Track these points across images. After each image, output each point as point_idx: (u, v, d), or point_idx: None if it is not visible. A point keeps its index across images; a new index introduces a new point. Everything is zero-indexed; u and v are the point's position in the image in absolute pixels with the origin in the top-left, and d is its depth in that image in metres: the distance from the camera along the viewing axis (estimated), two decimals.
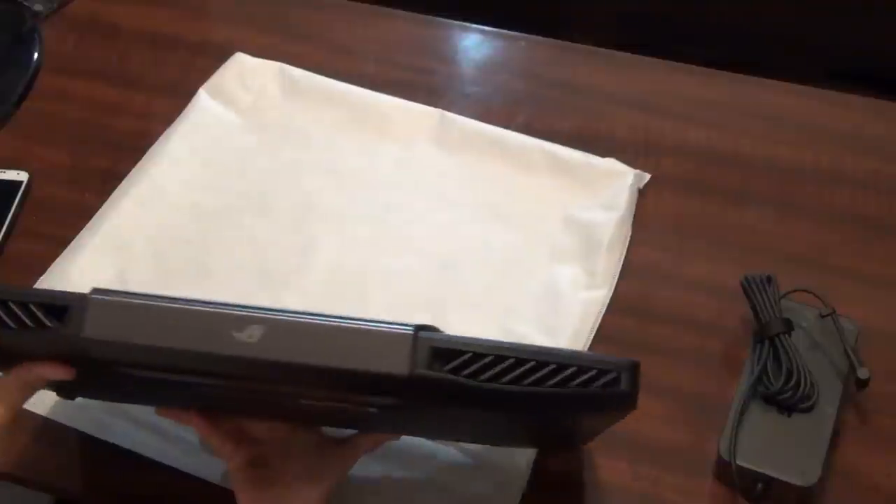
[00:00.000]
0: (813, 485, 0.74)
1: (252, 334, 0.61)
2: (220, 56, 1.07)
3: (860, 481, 0.78)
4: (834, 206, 0.94)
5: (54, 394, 0.78)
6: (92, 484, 0.81)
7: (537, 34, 1.11)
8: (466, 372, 0.60)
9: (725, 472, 0.77)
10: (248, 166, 0.99)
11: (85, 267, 0.90)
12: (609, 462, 0.79)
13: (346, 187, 0.96)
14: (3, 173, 0.99)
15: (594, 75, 1.06)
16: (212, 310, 0.62)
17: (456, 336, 0.62)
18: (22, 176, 0.98)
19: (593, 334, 0.86)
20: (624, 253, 0.91)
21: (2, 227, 0.94)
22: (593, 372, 0.60)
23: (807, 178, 0.97)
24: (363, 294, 0.89)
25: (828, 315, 0.82)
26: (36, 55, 1.10)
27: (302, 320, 0.62)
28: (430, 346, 0.61)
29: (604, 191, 0.94)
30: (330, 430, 0.76)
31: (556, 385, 0.60)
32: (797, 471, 0.75)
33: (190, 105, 1.03)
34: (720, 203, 0.95)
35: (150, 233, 0.93)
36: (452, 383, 0.60)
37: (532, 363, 0.60)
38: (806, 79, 1.04)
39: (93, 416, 0.82)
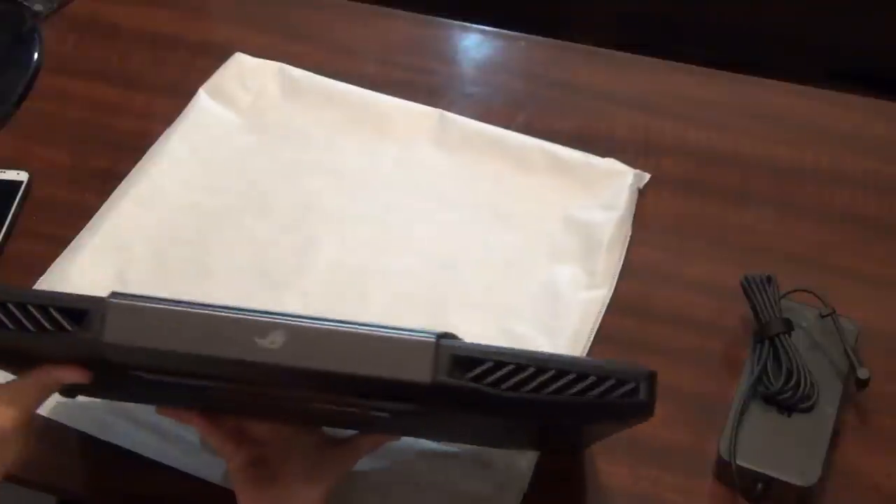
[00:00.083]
0: (813, 485, 0.74)
1: (274, 340, 0.61)
2: (220, 56, 1.07)
3: (860, 481, 0.78)
4: (834, 206, 0.94)
5: (55, 393, 0.78)
6: (93, 484, 0.81)
7: (537, 34, 1.11)
8: (488, 380, 0.60)
9: (725, 472, 0.77)
10: (248, 166, 0.99)
11: (85, 267, 0.90)
12: (609, 462, 0.79)
13: (346, 187, 0.96)
14: (3, 173, 0.99)
15: (594, 75, 1.06)
16: (234, 315, 0.62)
17: (477, 344, 0.62)
18: (22, 176, 0.98)
19: (593, 334, 0.86)
20: (624, 253, 0.91)
21: (2, 227, 0.94)
22: (612, 382, 0.61)
23: (807, 178, 0.97)
24: (363, 294, 0.89)
25: (828, 315, 0.82)
26: (36, 55, 1.10)
27: (324, 327, 0.62)
28: (452, 353, 0.61)
29: (604, 191, 0.94)
30: (330, 431, 0.76)
31: (575, 394, 0.60)
32: (797, 471, 0.75)
33: (190, 105, 1.03)
34: (720, 203, 0.95)
35: (149, 233, 0.93)
36: (473, 391, 0.60)
37: (552, 372, 0.60)
38: (806, 79, 1.04)
39: (94, 416, 0.82)
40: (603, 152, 0.97)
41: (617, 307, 0.88)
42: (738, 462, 0.75)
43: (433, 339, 0.61)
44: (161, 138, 1.00)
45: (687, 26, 1.69)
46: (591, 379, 0.60)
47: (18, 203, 0.96)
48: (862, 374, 0.79)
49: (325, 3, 1.15)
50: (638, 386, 0.61)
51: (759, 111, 1.02)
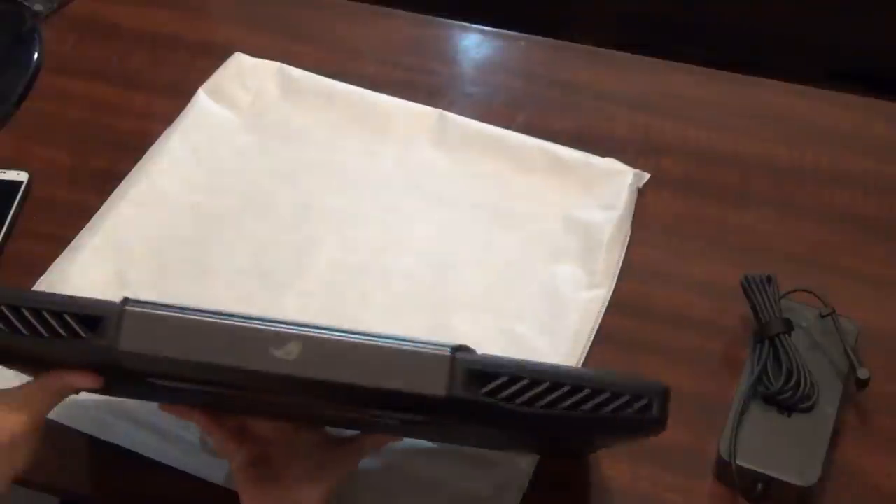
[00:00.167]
0: (813, 485, 0.74)
1: (290, 351, 0.61)
2: (220, 56, 1.07)
3: (860, 481, 0.78)
4: (834, 206, 0.94)
5: None
6: (94, 484, 0.81)
7: (537, 34, 1.11)
8: (502, 395, 0.61)
9: (725, 472, 0.77)
10: (248, 166, 0.99)
11: (85, 267, 0.90)
12: (609, 462, 0.79)
13: (345, 187, 0.96)
14: (3, 173, 0.99)
15: (594, 75, 1.06)
16: (249, 325, 0.62)
17: (492, 357, 0.62)
18: (22, 176, 0.98)
19: (593, 334, 0.86)
20: (623, 253, 0.91)
21: (2, 227, 0.94)
22: (626, 398, 0.61)
23: (807, 178, 0.97)
24: (363, 294, 0.89)
25: (828, 315, 0.82)
26: (36, 55, 1.10)
27: (340, 338, 0.62)
28: (467, 367, 0.61)
29: (603, 190, 0.94)
30: (332, 430, 0.76)
31: (589, 410, 0.61)
32: (797, 471, 0.75)
33: (189, 105, 1.03)
34: (720, 203, 0.95)
35: (149, 233, 0.93)
36: (488, 406, 0.60)
37: (567, 388, 0.61)
38: (806, 79, 1.04)
39: (94, 416, 0.82)
40: (603, 152, 0.97)
41: (617, 307, 0.88)
42: (738, 462, 0.75)
43: (448, 353, 0.61)
44: (161, 138, 1.00)
45: (687, 26, 1.69)
46: (606, 395, 0.61)
47: (18, 203, 0.96)
48: (862, 374, 0.79)
49: (325, 3, 1.15)
50: (651, 402, 0.61)
51: (759, 111, 1.02)
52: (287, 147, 1.00)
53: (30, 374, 0.70)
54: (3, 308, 0.62)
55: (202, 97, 1.03)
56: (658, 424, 0.62)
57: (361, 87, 1.04)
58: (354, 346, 0.62)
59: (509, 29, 1.12)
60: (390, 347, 0.61)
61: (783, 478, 0.74)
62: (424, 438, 0.78)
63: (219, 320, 0.62)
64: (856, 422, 0.81)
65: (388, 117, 1.01)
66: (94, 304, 0.63)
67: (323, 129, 1.01)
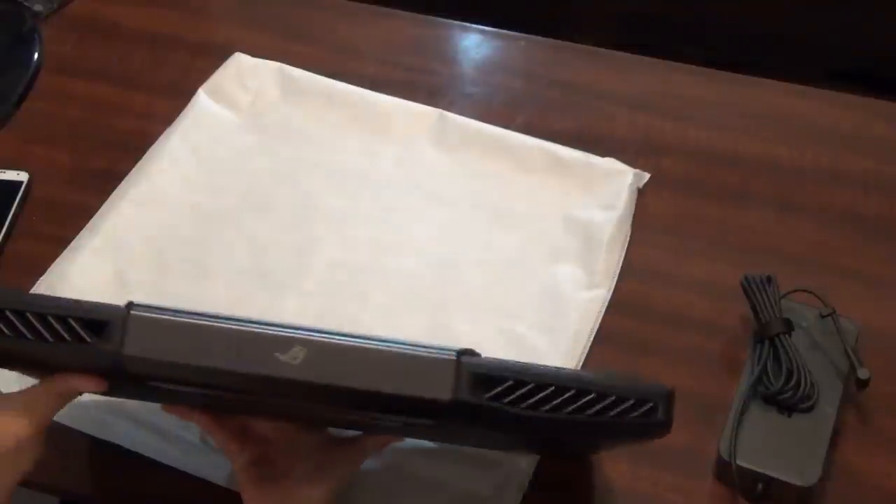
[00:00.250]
0: (813, 485, 0.74)
1: (296, 356, 0.61)
2: (220, 56, 1.07)
3: (860, 481, 0.78)
4: (834, 206, 0.94)
5: None
6: (95, 484, 0.81)
7: (537, 34, 1.11)
8: (507, 399, 0.61)
9: (725, 473, 0.77)
10: (248, 166, 0.99)
11: (85, 267, 0.90)
12: (609, 462, 0.79)
13: (345, 187, 0.96)
14: (3, 173, 0.99)
15: (594, 75, 1.06)
16: (254, 329, 0.62)
17: (497, 361, 0.62)
18: (22, 176, 0.98)
19: (593, 334, 0.86)
20: (623, 253, 0.91)
21: (2, 227, 0.94)
22: (631, 401, 0.61)
23: (807, 178, 0.97)
24: (363, 294, 0.89)
25: (828, 315, 0.82)
26: (36, 55, 1.10)
27: (345, 343, 0.62)
28: (472, 371, 0.61)
29: (603, 190, 0.94)
30: (334, 431, 0.76)
31: (594, 414, 0.61)
32: (797, 471, 0.75)
33: (189, 105, 1.02)
34: (720, 203, 0.95)
35: (149, 233, 0.93)
36: (493, 409, 0.61)
37: (572, 391, 0.61)
38: (806, 79, 1.04)
39: (94, 416, 0.82)
40: (603, 152, 0.97)
41: (617, 307, 0.88)
42: (738, 462, 0.75)
43: (454, 357, 0.61)
44: (161, 138, 1.00)
45: (687, 26, 1.69)
46: (611, 399, 0.61)
47: (18, 203, 0.96)
48: (862, 374, 0.79)
49: (325, 3, 1.15)
50: (657, 406, 0.61)
51: (759, 111, 1.02)
52: (287, 147, 1.00)
53: (33, 377, 0.70)
54: (8, 313, 0.62)
55: (202, 97, 1.03)
56: (663, 427, 0.62)
57: (361, 87, 1.04)
58: (359, 350, 0.62)
59: (509, 29, 1.12)
60: (395, 351, 0.62)
61: (783, 478, 0.74)
62: (426, 439, 0.78)
63: (224, 325, 0.62)
64: (856, 422, 0.81)
65: (388, 117, 1.01)
66: (98, 308, 0.63)
67: (323, 128, 1.01)
